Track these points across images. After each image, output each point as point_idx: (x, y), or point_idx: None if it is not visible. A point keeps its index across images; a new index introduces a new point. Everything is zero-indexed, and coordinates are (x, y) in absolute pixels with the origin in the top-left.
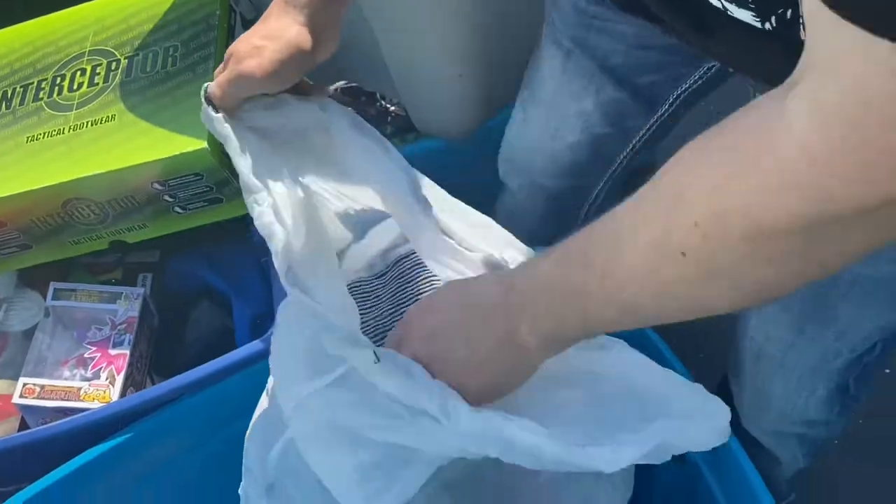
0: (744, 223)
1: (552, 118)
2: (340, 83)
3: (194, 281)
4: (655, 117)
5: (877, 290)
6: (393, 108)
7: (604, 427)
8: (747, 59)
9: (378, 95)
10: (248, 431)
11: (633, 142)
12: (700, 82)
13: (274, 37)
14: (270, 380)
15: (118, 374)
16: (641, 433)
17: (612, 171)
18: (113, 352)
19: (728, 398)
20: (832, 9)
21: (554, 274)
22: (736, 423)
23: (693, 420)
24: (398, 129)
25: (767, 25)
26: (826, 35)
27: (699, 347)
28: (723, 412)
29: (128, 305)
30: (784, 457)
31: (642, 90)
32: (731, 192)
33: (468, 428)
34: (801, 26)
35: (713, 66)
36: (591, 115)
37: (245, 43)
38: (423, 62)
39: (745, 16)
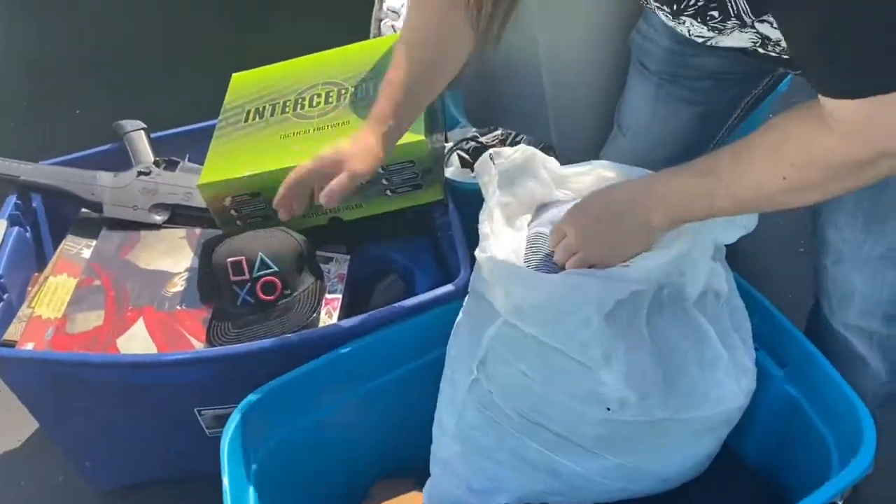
0: (824, 163)
1: (648, 138)
2: (498, 131)
3: (379, 263)
4: (731, 120)
5: None
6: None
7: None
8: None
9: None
10: (452, 335)
11: (713, 144)
12: (760, 91)
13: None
14: (466, 302)
15: (334, 311)
16: None
17: None
18: (329, 296)
19: (816, 329)
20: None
21: (689, 182)
22: (825, 332)
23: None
24: None
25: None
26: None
27: (788, 290)
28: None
29: (338, 266)
30: (871, 362)
31: (722, 104)
32: (815, 147)
33: None
34: None
35: (768, 79)
36: (682, 132)
37: None
38: (580, 102)
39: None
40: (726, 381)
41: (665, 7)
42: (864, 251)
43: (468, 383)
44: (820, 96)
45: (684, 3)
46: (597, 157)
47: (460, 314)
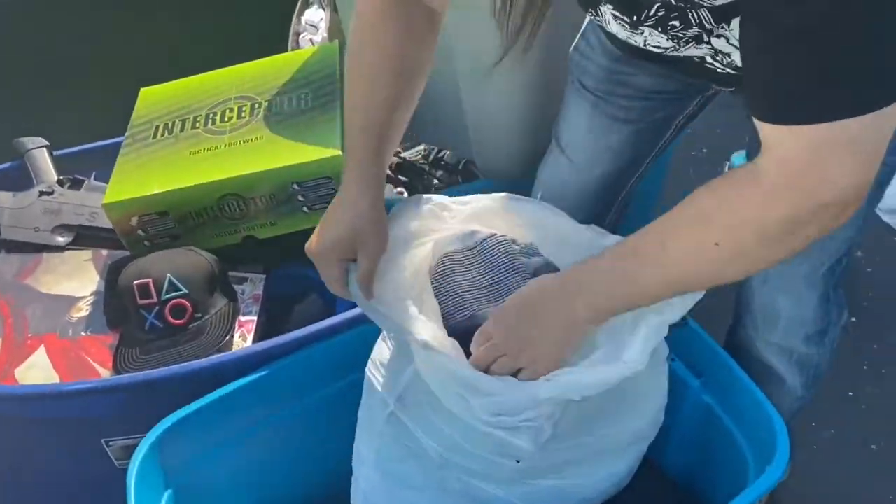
0: (758, 222)
1: (585, 154)
2: (420, 147)
3: (298, 282)
4: (664, 140)
5: None
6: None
7: (615, 345)
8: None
9: (439, 151)
10: (371, 361)
11: (646, 162)
12: (691, 110)
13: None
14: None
15: (248, 334)
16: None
17: (626, 190)
18: (243, 318)
19: (735, 346)
20: (773, 123)
21: (611, 266)
22: (746, 350)
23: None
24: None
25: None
26: (767, 131)
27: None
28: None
29: (253, 287)
30: (788, 378)
31: (655, 123)
32: (746, 207)
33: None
34: None
35: (699, 99)
36: (617, 148)
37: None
38: (499, 117)
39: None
40: (640, 399)
41: (624, 18)
42: (789, 271)
43: (386, 415)
44: (762, 126)
45: (644, 14)
46: (520, 173)
47: (380, 339)
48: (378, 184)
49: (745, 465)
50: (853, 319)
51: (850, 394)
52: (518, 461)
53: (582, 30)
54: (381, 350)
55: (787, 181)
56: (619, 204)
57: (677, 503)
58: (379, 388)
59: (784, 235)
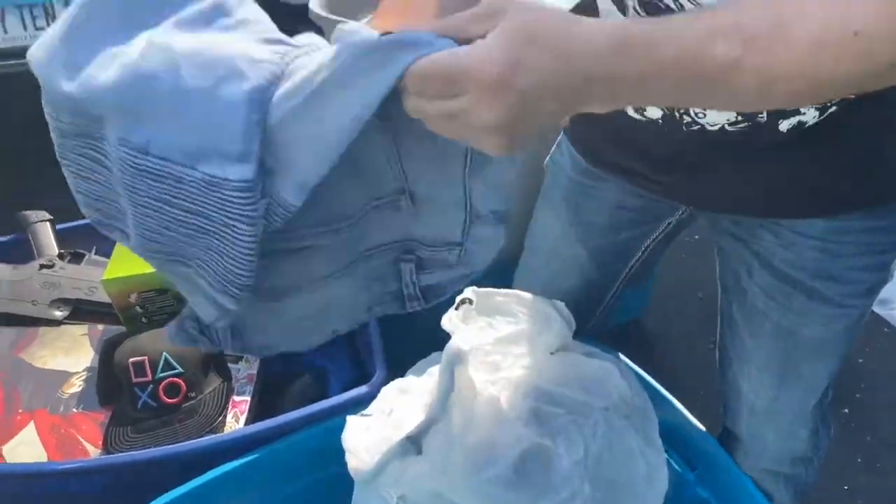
0: None
1: (553, 264)
2: None
3: (291, 362)
4: (633, 262)
5: (822, 348)
6: None
7: None
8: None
9: None
10: (350, 460)
11: (617, 283)
12: (663, 234)
13: None
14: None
15: (241, 414)
16: None
17: (602, 306)
18: (237, 398)
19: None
20: None
21: (681, 44)
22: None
23: None
24: None
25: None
26: None
27: (696, 386)
28: None
29: (248, 366)
30: (776, 495)
31: (621, 242)
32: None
33: None
34: None
35: (671, 221)
36: (584, 261)
37: None
38: None
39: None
40: (646, 488)
41: None
42: (777, 406)
43: None
44: None
45: None
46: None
47: (356, 425)
48: None
49: None
50: (845, 411)
51: (846, 487)
52: None
53: (557, 141)
54: (360, 439)
55: None
56: (597, 318)
57: None
58: (372, 486)
59: None
